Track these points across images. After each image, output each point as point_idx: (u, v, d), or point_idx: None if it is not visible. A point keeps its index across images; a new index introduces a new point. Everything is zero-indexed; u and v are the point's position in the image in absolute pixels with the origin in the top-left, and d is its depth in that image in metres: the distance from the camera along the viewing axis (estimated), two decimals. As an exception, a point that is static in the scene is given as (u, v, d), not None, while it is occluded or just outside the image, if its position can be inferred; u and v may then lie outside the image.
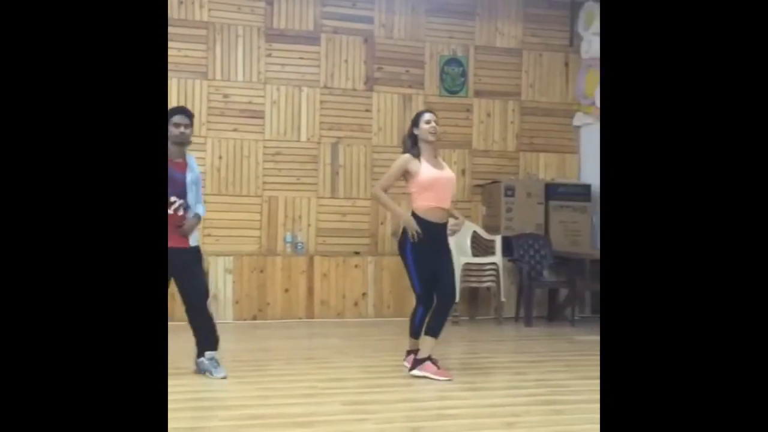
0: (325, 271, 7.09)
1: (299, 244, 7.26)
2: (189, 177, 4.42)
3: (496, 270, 7.05)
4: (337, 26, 7.48)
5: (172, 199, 4.33)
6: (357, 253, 7.35)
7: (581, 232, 7.62)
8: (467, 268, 6.97)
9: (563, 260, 7.28)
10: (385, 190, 4.54)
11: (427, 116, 4.52)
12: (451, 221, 4.55)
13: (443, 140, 7.72)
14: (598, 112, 7.79)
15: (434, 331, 4.48)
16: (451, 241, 7.24)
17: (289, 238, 7.26)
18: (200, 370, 4.38)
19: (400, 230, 4.55)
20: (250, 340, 6.01)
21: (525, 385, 4.39)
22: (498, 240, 7.16)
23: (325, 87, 7.44)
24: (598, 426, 3.50)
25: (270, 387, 4.20)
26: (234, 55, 7.23)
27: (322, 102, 7.43)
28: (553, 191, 7.62)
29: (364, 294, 7.24)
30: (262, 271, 6.87)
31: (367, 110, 7.55)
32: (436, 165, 4.50)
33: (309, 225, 7.39)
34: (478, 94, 7.85)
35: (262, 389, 4.14)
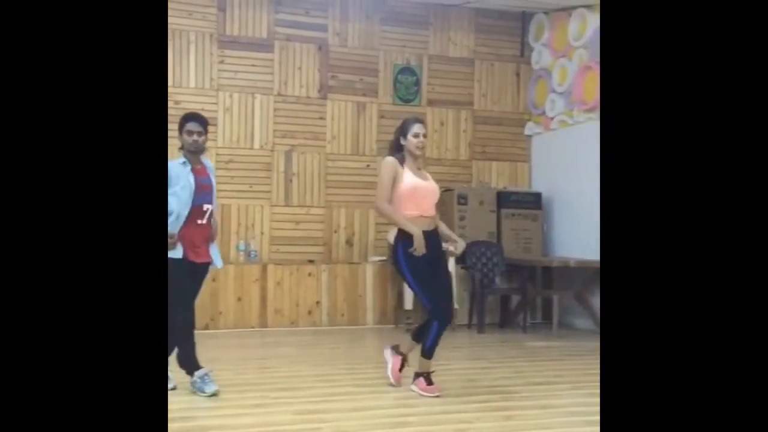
0: (278, 280, 7.05)
1: (252, 252, 7.20)
2: (213, 180, 4.35)
3: (449, 277, 7.09)
4: (291, 34, 7.46)
5: (205, 207, 4.22)
6: (311, 261, 7.32)
7: (533, 240, 7.73)
8: (421, 275, 7.00)
9: (515, 267, 7.37)
10: (388, 202, 4.18)
11: (416, 128, 4.21)
12: (446, 245, 4.32)
13: (397, 148, 7.78)
14: (548, 122, 7.93)
15: (427, 354, 4.21)
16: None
17: (242, 246, 7.20)
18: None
19: (394, 244, 4.23)
20: (201, 349, 5.87)
21: (477, 392, 4.43)
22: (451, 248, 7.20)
23: (279, 94, 7.41)
24: (548, 431, 3.56)
25: (221, 397, 4.14)
26: (186, 62, 7.15)
27: (275, 109, 7.40)
28: (505, 199, 7.72)
29: (317, 302, 7.21)
30: (214, 280, 6.78)
31: (321, 118, 7.54)
32: (419, 175, 4.27)
33: (262, 233, 7.34)
34: (431, 103, 7.91)
35: (213, 400, 4.08)
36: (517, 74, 8.21)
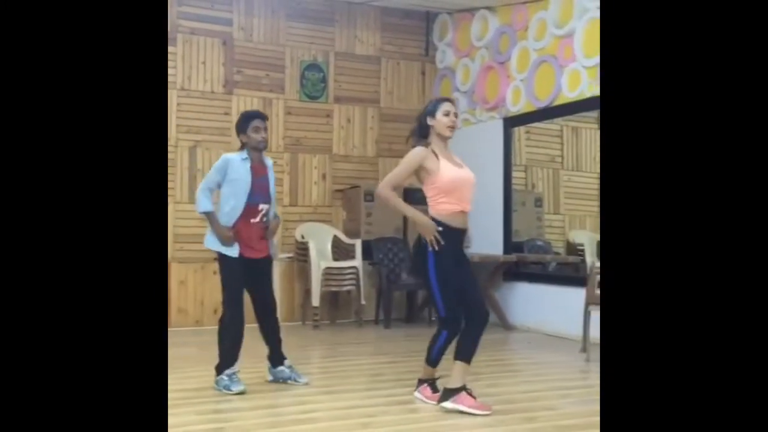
0: (182, 278, 6.90)
1: (154, 250, 7.01)
2: (271, 180, 4.32)
3: (356, 274, 7.15)
4: (195, 27, 7.31)
5: (260, 206, 4.20)
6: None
7: (438, 236, 7.86)
8: (328, 272, 7.02)
9: (421, 263, 7.48)
10: (394, 189, 3.81)
11: (446, 106, 3.80)
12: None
13: (304, 145, 7.76)
14: (453, 120, 8.08)
15: (466, 356, 3.81)
16: (312, 246, 7.26)
17: (143, 245, 7.00)
18: (277, 379, 4.40)
19: (417, 243, 3.81)
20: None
21: (382, 386, 4.48)
22: (358, 244, 7.26)
23: (182, 89, 7.25)
24: (451, 422, 3.65)
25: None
26: (83, 53, 6.88)
27: (178, 104, 7.23)
28: (411, 196, 7.78)
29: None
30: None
31: (226, 113, 7.43)
32: (455, 163, 3.83)
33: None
34: (338, 100, 7.93)
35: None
36: (423, 73, 8.34)
